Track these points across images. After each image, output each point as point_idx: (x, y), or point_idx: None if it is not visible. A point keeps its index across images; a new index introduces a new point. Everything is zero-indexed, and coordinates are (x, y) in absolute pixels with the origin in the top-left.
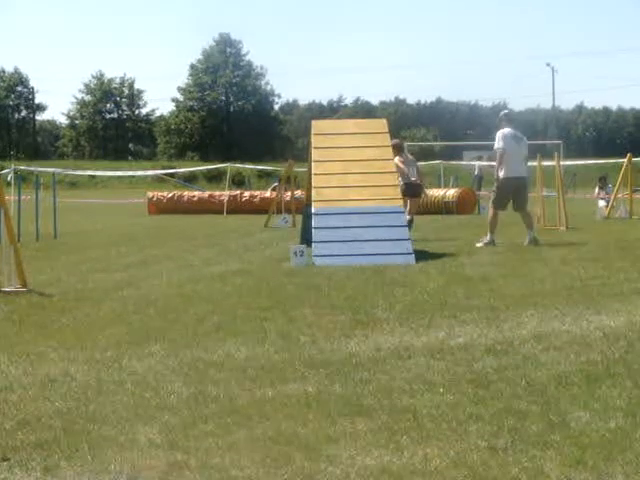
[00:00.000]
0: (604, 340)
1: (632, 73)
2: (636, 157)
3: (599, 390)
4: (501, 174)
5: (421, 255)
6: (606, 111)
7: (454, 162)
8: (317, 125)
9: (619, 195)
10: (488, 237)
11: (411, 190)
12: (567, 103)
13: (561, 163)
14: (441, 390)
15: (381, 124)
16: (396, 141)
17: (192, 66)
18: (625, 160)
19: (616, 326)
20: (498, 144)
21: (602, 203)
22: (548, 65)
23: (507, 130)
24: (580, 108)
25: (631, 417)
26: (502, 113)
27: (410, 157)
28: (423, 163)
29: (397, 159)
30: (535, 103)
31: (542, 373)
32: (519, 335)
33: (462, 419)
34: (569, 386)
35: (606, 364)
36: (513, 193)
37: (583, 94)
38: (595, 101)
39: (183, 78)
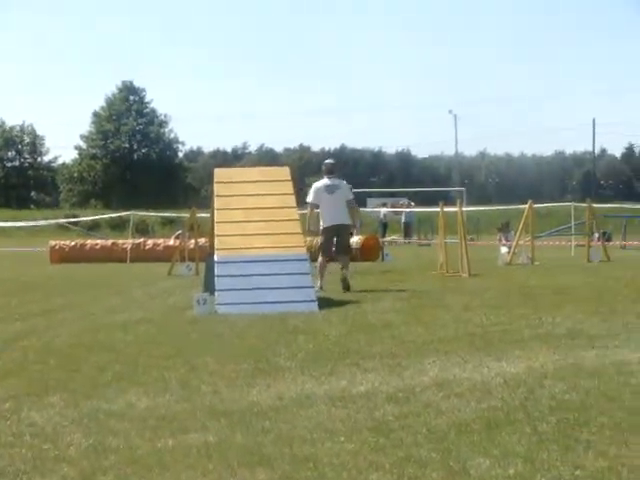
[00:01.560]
0: (504, 387)
1: (533, 120)
2: (537, 204)
3: (499, 437)
4: (321, 225)
5: (324, 302)
6: (508, 157)
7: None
8: (219, 173)
9: (521, 241)
10: (318, 283)
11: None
12: (470, 149)
13: (464, 209)
14: (342, 439)
15: (284, 172)
16: None
17: (95, 114)
18: (526, 206)
19: (516, 372)
20: (308, 198)
21: (504, 249)
22: (450, 112)
23: (320, 182)
24: (483, 154)
25: (530, 463)
26: (323, 162)
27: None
28: None
29: None
30: (439, 150)
31: (443, 420)
32: (420, 382)
33: (363, 467)
34: (469, 433)
35: (506, 410)
36: (335, 239)
37: (486, 141)
38: (497, 147)
39: (86, 126)
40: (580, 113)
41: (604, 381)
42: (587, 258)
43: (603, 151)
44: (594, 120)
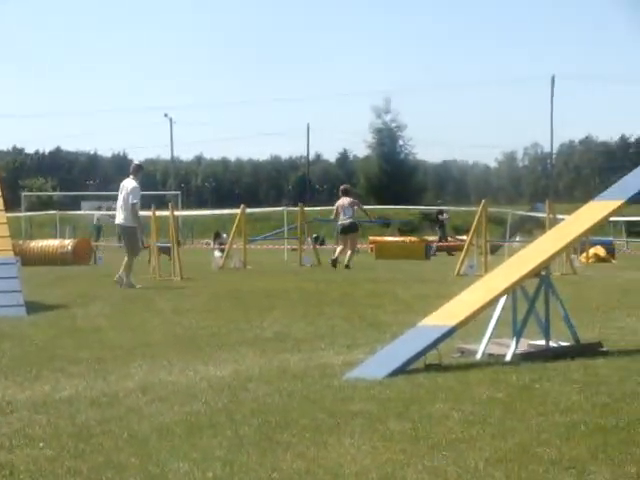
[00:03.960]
0: (209, 390)
1: (250, 124)
2: (253, 208)
3: (200, 440)
4: None
5: (33, 307)
6: (225, 162)
7: (72, 212)
8: None
9: (234, 245)
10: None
11: (344, 230)
12: (187, 154)
13: (180, 213)
14: (41, 445)
15: None
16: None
17: None
18: (239, 211)
19: (222, 376)
20: None
21: (218, 253)
22: (166, 116)
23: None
24: (200, 159)
25: (229, 466)
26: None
27: (347, 200)
28: (40, 213)
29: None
30: (155, 154)
31: (145, 425)
32: (125, 387)
33: (60, 473)
34: (170, 437)
35: (209, 414)
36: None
37: (203, 145)
38: (214, 152)
39: None
40: (295, 118)
41: (307, 383)
42: (299, 262)
43: (318, 156)
44: (308, 125)
